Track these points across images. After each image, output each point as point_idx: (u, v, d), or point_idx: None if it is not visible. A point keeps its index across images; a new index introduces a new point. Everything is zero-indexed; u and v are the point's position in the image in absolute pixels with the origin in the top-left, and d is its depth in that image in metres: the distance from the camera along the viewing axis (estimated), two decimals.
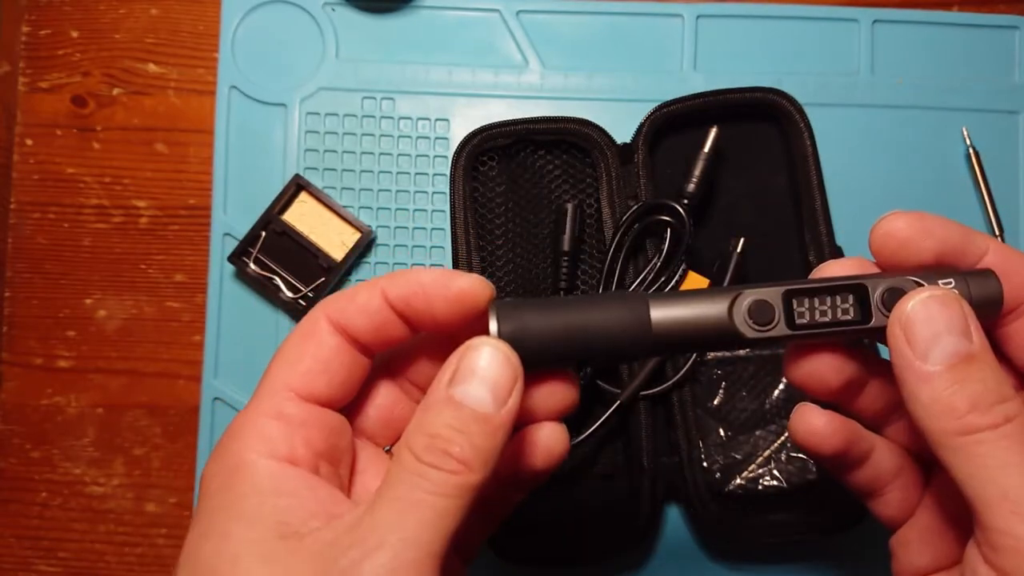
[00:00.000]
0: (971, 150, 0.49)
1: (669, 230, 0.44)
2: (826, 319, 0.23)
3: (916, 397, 0.21)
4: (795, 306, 0.23)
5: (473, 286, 0.24)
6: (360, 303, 0.25)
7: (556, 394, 0.26)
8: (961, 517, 0.24)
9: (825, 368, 0.24)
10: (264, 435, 0.24)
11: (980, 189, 0.49)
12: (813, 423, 0.25)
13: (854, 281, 0.23)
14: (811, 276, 0.24)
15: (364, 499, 0.23)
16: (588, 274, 0.47)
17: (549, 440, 0.27)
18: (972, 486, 0.21)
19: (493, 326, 0.23)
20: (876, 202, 0.49)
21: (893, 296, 0.22)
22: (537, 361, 0.24)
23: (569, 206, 0.46)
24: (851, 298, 0.23)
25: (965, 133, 0.49)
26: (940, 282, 0.23)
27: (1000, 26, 0.50)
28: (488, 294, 0.25)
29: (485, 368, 0.22)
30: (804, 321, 0.23)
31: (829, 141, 0.47)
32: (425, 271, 0.25)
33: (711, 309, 0.23)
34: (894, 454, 0.26)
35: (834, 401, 0.26)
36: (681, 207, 0.44)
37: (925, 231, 0.24)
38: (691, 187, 0.45)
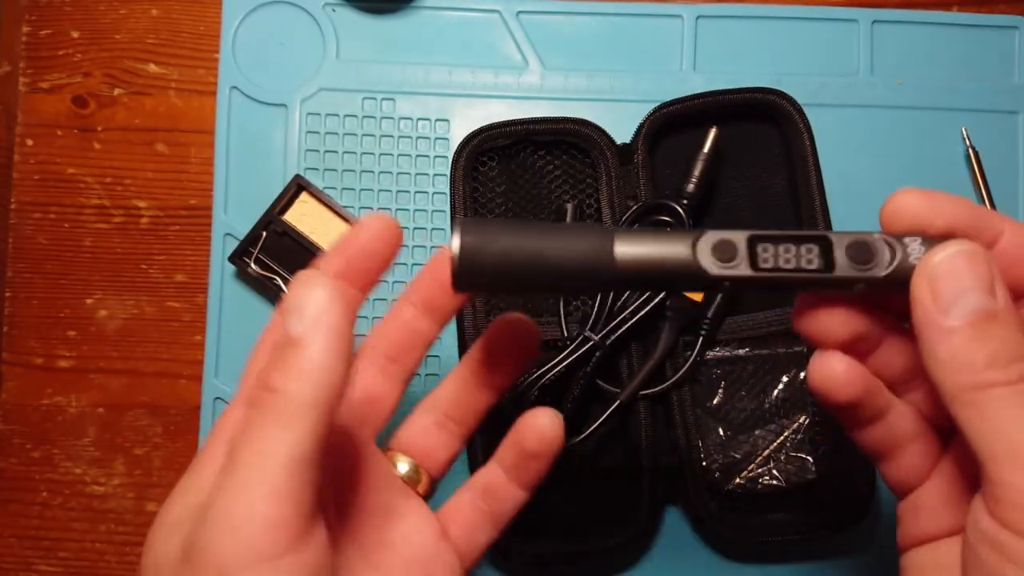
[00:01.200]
0: (971, 150, 0.49)
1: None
2: (790, 266, 0.23)
3: (934, 352, 0.21)
4: (760, 251, 0.23)
5: (386, 223, 0.25)
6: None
7: (518, 336, 0.26)
8: (974, 486, 0.23)
9: (832, 320, 0.24)
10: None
11: (980, 189, 0.49)
12: (833, 367, 0.24)
13: (819, 233, 0.23)
14: (888, 201, 0.24)
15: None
16: None
17: (541, 423, 0.27)
18: (982, 440, 0.21)
19: (456, 241, 0.23)
20: (876, 202, 0.49)
21: (858, 249, 0.23)
22: (498, 278, 0.23)
23: (569, 206, 0.46)
24: (816, 249, 0.23)
25: (965, 133, 0.49)
26: (906, 240, 0.23)
27: (1000, 26, 0.50)
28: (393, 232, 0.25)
29: (292, 295, 0.22)
30: (768, 265, 0.23)
31: (829, 141, 0.47)
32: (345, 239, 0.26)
33: (676, 246, 0.23)
34: (911, 417, 0.26)
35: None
36: (680, 207, 0.44)
37: (935, 209, 0.23)
38: (691, 187, 0.45)
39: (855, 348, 0.25)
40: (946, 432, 0.26)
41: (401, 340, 0.28)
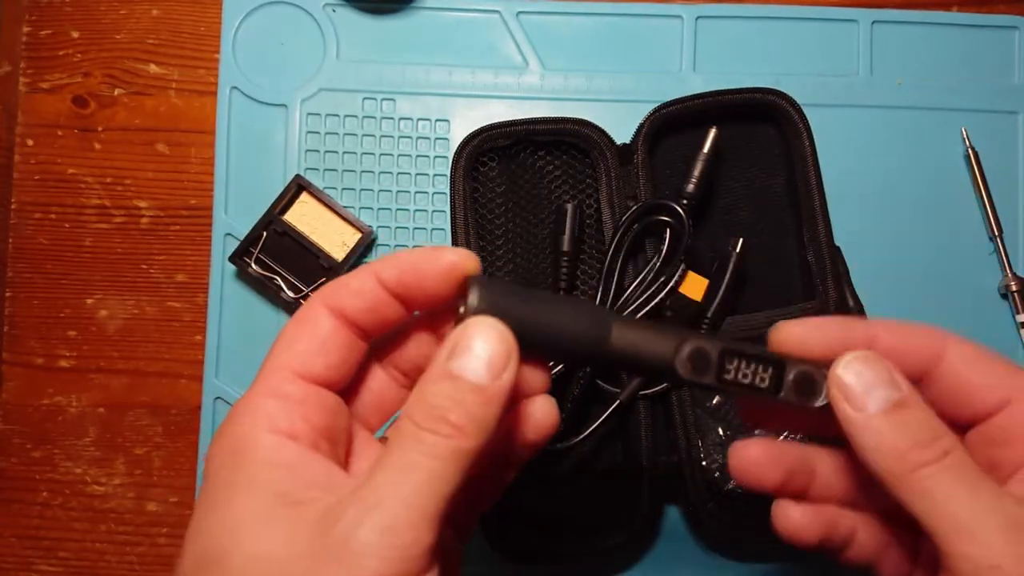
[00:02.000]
0: (971, 150, 0.49)
1: (668, 230, 0.44)
2: (746, 382, 0.26)
3: (864, 445, 0.24)
4: (726, 364, 0.26)
5: (461, 258, 0.26)
6: (354, 286, 0.26)
7: (530, 376, 0.27)
8: None
9: (763, 467, 0.28)
10: (264, 412, 0.24)
11: (980, 189, 0.49)
12: (791, 517, 0.28)
13: (779, 358, 0.26)
14: (771, 331, 0.27)
15: (360, 477, 0.23)
16: (588, 274, 0.47)
17: (539, 413, 0.28)
18: (928, 519, 0.23)
19: (472, 299, 0.25)
20: (876, 202, 0.49)
21: (803, 381, 0.26)
22: None
23: (569, 206, 0.46)
24: (771, 370, 0.26)
25: (965, 133, 0.49)
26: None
27: (1000, 26, 0.50)
28: (475, 265, 0.26)
29: (481, 344, 0.23)
30: (729, 378, 0.26)
31: (828, 141, 0.47)
32: (414, 249, 0.26)
33: (661, 344, 0.26)
34: (877, 527, 0.28)
35: (786, 493, 0.28)
36: (680, 207, 0.44)
37: (809, 334, 0.26)
38: (690, 187, 0.45)
39: (794, 484, 0.28)
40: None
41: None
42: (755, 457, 0.28)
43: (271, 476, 0.23)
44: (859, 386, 0.24)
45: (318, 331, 0.26)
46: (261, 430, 0.24)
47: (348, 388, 0.27)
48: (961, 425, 0.26)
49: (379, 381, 0.29)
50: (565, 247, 0.46)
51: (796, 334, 0.26)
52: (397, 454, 0.23)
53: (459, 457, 0.23)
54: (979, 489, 0.23)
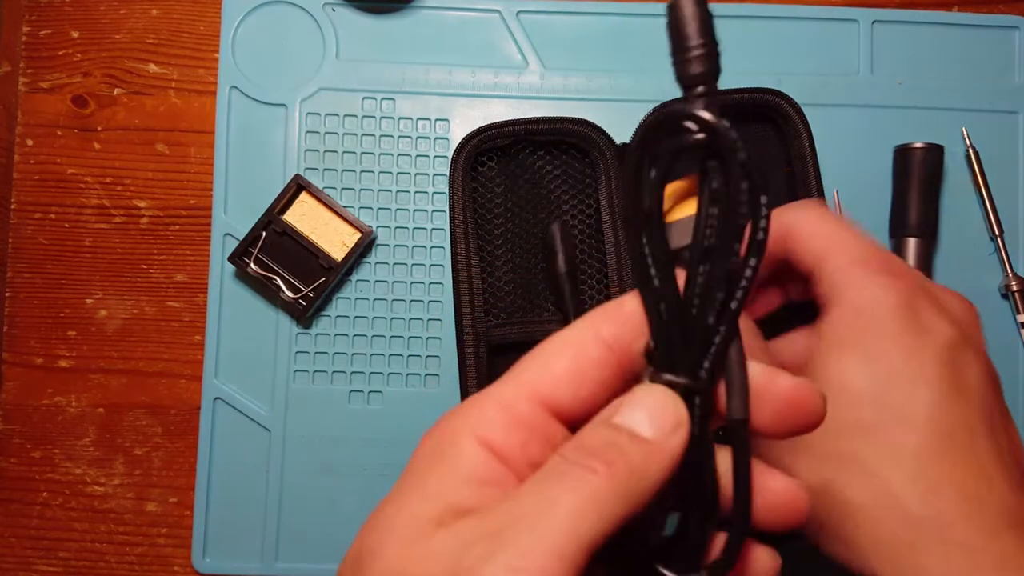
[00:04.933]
0: (971, 150, 0.49)
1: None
2: None
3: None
4: None
5: None
6: (631, 309, 0.24)
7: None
8: None
9: None
10: (482, 418, 0.23)
11: (980, 189, 0.49)
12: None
13: None
14: None
15: None
16: (591, 286, 0.47)
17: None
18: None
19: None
20: (876, 202, 0.49)
21: None
22: None
23: (554, 227, 0.46)
24: None
25: (965, 133, 0.49)
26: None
27: (1000, 26, 0.50)
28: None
29: (650, 403, 0.22)
30: None
31: (829, 141, 0.47)
32: None
33: None
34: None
35: None
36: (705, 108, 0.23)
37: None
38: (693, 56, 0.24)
39: None
40: None
41: None
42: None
43: (458, 486, 0.21)
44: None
45: (581, 357, 0.23)
46: (469, 438, 0.22)
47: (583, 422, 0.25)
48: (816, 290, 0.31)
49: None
50: (562, 268, 0.46)
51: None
52: (536, 487, 0.21)
53: (605, 499, 0.20)
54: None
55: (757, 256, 0.22)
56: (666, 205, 0.24)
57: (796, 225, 0.32)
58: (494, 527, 0.20)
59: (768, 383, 0.23)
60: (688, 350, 0.23)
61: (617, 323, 0.24)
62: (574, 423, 0.23)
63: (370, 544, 0.21)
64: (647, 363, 0.23)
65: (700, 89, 0.22)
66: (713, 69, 0.22)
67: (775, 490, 0.24)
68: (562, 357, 0.23)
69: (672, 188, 0.25)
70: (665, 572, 0.23)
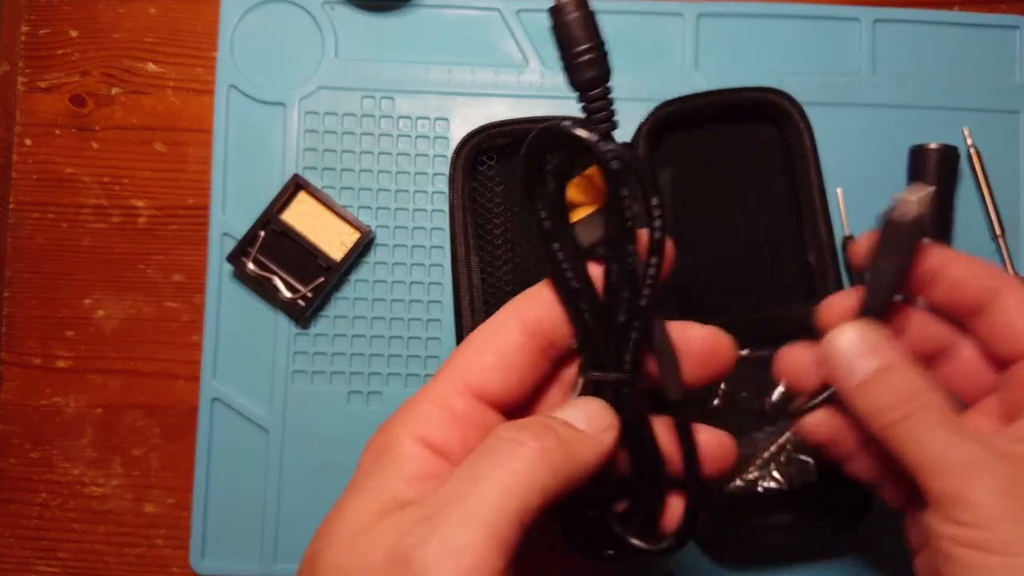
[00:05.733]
0: (972, 150, 0.49)
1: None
2: None
3: (854, 409, 0.27)
4: None
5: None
6: (548, 297, 0.25)
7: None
8: None
9: (804, 363, 0.30)
10: (421, 419, 0.23)
11: (981, 189, 0.49)
12: (807, 420, 0.30)
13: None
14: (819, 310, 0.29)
15: None
16: None
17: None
18: (907, 463, 0.25)
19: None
20: (877, 202, 0.49)
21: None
22: None
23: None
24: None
25: (966, 133, 0.49)
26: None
27: (1000, 26, 0.50)
28: None
29: (583, 405, 0.24)
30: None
31: (829, 141, 0.47)
32: None
33: None
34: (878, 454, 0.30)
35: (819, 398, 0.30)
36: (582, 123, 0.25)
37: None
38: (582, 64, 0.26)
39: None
40: None
41: None
42: (797, 360, 0.30)
43: (400, 485, 0.22)
44: (843, 359, 0.26)
45: (504, 345, 0.25)
46: (409, 437, 0.23)
47: (521, 410, 0.26)
48: (1004, 360, 0.28)
49: (554, 406, 0.27)
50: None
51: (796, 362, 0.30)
52: (466, 467, 0.21)
53: (534, 471, 0.21)
54: (951, 433, 0.25)
55: (658, 255, 0.24)
56: (572, 198, 0.26)
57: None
58: (428, 511, 0.21)
59: (680, 337, 0.26)
60: (609, 347, 0.24)
61: (537, 308, 0.25)
62: (510, 410, 0.25)
63: (319, 545, 0.22)
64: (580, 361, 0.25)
65: (596, 92, 0.25)
66: (603, 73, 0.25)
67: (705, 441, 0.27)
68: (488, 348, 0.25)
69: (576, 182, 0.26)
70: (635, 541, 0.25)
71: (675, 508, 0.27)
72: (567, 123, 0.24)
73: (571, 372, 0.27)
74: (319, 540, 0.22)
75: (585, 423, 0.23)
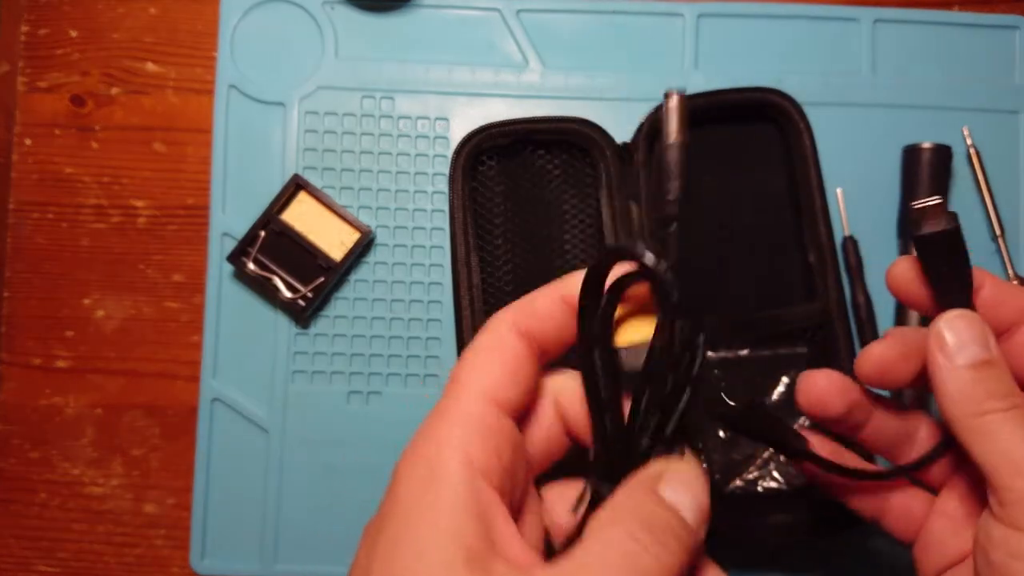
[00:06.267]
0: (972, 150, 0.49)
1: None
2: None
3: (945, 389, 0.26)
4: None
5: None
6: (542, 307, 0.26)
7: None
8: (975, 513, 0.28)
9: (831, 396, 0.30)
10: (464, 437, 0.23)
11: (981, 189, 0.49)
12: (817, 383, 0.30)
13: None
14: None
15: (533, 544, 0.23)
16: None
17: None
18: (986, 457, 0.25)
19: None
20: (877, 202, 0.49)
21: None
22: None
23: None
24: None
25: (966, 133, 0.49)
26: None
27: (1000, 26, 0.50)
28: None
29: (694, 485, 0.24)
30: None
31: (829, 141, 0.47)
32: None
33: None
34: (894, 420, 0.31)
35: (845, 426, 0.30)
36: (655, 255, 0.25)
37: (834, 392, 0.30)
38: (671, 196, 0.32)
39: (854, 417, 0.30)
40: (933, 487, 0.31)
41: None
42: (823, 387, 0.30)
43: (465, 524, 0.22)
44: (954, 340, 0.27)
45: (509, 355, 0.25)
46: (456, 461, 0.23)
47: (524, 415, 0.27)
48: None
49: (548, 418, 0.27)
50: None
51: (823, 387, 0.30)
52: (604, 557, 0.22)
53: None
54: None
55: (690, 387, 0.25)
56: (627, 325, 0.27)
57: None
58: None
59: None
60: (624, 464, 0.25)
61: (531, 318, 0.26)
62: (517, 415, 0.25)
63: None
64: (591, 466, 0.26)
65: (673, 228, 0.26)
66: (679, 213, 0.27)
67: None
68: (498, 359, 0.25)
69: (629, 312, 0.27)
70: None
71: None
72: (640, 248, 0.25)
73: (547, 378, 0.28)
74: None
75: (691, 510, 0.24)
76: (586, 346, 0.25)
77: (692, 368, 0.24)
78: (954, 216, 0.27)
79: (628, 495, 0.23)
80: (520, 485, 0.25)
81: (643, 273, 0.25)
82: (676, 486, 0.24)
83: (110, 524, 0.49)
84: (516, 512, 0.25)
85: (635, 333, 0.26)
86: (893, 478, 0.30)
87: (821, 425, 0.30)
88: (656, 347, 0.25)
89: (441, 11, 0.50)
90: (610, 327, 0.26)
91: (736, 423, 0.29)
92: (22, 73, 0.51)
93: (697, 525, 0.24)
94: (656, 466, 0.24)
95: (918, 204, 0.27)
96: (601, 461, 0.25)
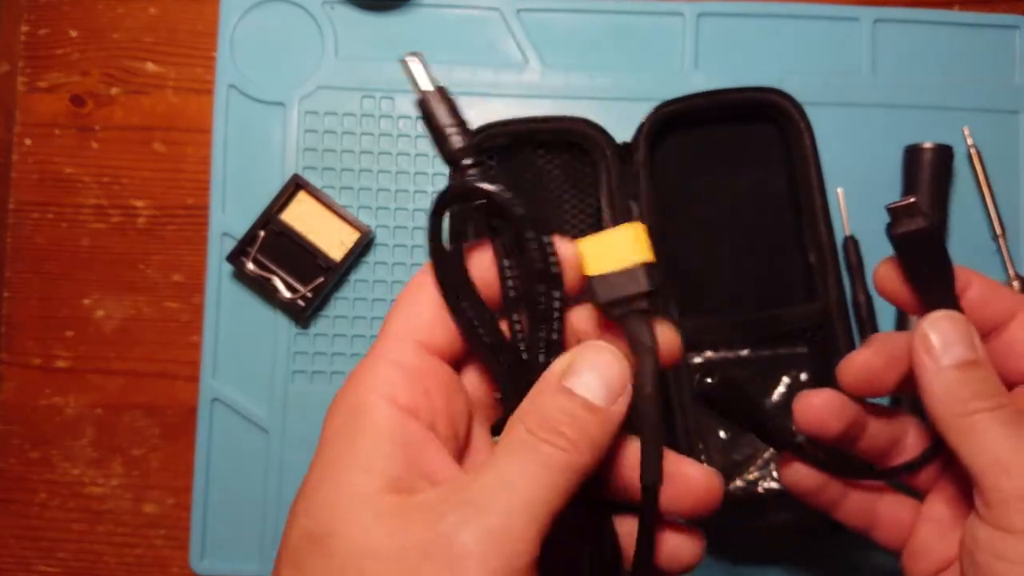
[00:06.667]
0: (972, 150, 0.49)
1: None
2: None
3: (931, 391, 0.26)
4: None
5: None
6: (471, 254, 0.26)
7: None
8: (960, 518, 0.28)
9: (830, 417, 0.29)
10: (385, 379, 0.24)
11: (981, 189, 0.49)
12: (812, 404, 0.30)
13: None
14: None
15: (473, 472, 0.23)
16: None
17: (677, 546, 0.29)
18: (972, 457, 0.25)
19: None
20: (878, 201, 0.49)
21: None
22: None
23: None
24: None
25: (966, 133, 0.49)
26: None
27: (1000, 26, 0.50)
28: None
29: (601, 366, 0.24)
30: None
31: (829, 141, 0.47)
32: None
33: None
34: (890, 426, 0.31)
35: (842, 444, 0.30)
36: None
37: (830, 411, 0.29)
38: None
39: (851, 435, 0.30)
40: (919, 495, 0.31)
41: None
42: (819, 406, 0.29)
43: (387, 454, 0.22)
44: (939, 341, 0.26)
45: (436, 299, 0.25)
46: (382, 399, 0.23)
47: (462, 358, 0.27)
48: (1011, 383, 0.28)
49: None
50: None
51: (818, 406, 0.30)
52: (507, 459, 0.22)
53: (571, 473, 0.22)
54: (1021, 437, 0.25)
55: (559, 288, 0.25)
56: (594, 253, 0.26)
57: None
58: (467, 496, 0.21)
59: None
60: (529, 384, 0.25)
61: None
62: (452, 358, 0.26)
63: (323, 525, 0.22)
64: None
65: (467, 161, 0.26)
66: (472, 144, 0.26)
67: (692, 475, 0.27)
68: (424, 302, 0.25)
69: (589, 242, 0.27)
70: None
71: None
72: (470, 180, 0.25)
73: None
74: (319, 516, 0.22)
75: (601, 390, 0.23)
76: (453, 296, 0.25)
77: (548, 264, 0.24)
78: (928, 215, 0.27)
79: (527, 399, 0.24)
80: (464, 427, 0.25)
81: (481, 201, 0.25)
82: (579, 372, 0.23)
83: (110, 524, 0.49)
84: (462, 454, 0.26)
85: (604, 262, 0.26)
86: (883, 478, 0.30)
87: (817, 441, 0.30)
88: (510, 266, 0.25)
89: (441, 11, 0.50)
90: (465, 274, 0.26)
91: (714, 402, 0.28)
92: (22, 73, 0.51)
93: (607, 402, 0.23)
94: (558, 363, 0.24)
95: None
96: (512, 398, 0.25)
